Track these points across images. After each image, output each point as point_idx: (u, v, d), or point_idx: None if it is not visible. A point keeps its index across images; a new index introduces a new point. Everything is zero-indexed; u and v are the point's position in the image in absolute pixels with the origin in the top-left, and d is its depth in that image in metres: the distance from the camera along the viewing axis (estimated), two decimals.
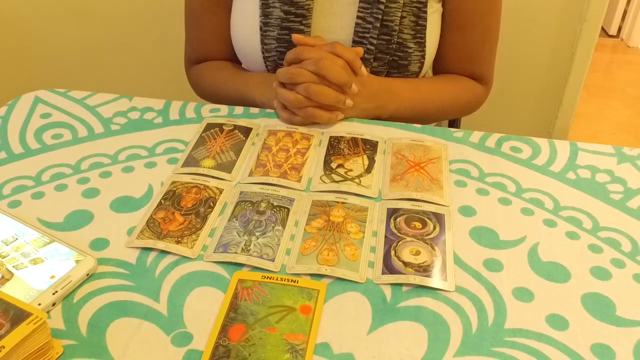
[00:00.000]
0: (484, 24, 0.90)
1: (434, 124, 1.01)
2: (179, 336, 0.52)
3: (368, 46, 0.85)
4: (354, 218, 0.65)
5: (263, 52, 0.88)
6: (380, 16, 0.83)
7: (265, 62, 0.90)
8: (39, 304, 0.54)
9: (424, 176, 0.72)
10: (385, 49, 0.86)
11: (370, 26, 0.84)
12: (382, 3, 0.83)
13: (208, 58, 0.98)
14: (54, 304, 0.55)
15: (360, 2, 0.84)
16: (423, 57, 0.88)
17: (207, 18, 0.94)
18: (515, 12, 1.47)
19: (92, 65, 1.75)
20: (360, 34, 0.85)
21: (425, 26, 0.86)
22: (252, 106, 0.86)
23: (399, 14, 0.84)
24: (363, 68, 0.81)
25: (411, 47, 0.87)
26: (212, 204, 0.67)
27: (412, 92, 0.88)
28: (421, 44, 0.87)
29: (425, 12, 0.85)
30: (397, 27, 0.85)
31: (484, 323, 0.54)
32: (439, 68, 0.95)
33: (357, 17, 0.85)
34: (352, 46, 0.86)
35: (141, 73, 1.73)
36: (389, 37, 0.85)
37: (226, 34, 0.93)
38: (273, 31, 0.86)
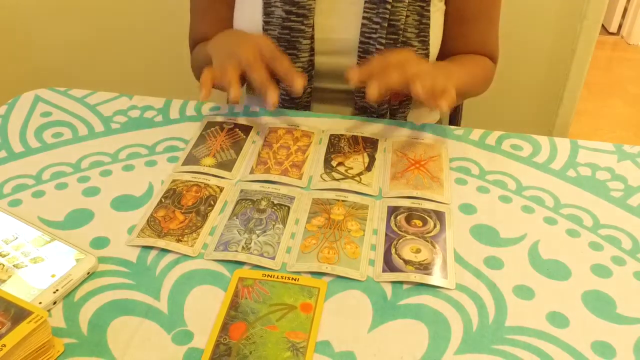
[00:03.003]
0: (490, 13, 0.92)
1: (435, 121, 1.01)
2: (179, 334, 0.53)
3: (376, 46, 0.84)
4: (354, 216, 0.65)
5: None
6: (387, 16, 0.83)
7: None
8: (40, 303, 0.54)
9: (425, 174, 0.72)
10: (393, 48, 0.85)
11: (377, 26, 0.84)
12: (389, 3, 0.82)
13: None
14: (54, 303, 0.55)
15: (365, 2, 0.84)
16: (427, 55, 0.87)
17: (210, 13, 0.94)
18: (516, 10, 1.47)
19: (92, 63, 1.75)
20: (367, 35, 0.85)
21: (428, 25, 0.86)
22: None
23: (405, 13, 0.84)
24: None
25: (415, 46, 0.86)
26: (212, 203, 0.67)
27: (452, 63, 0.89)
28: (425, 42, 0.87)
29: (429, 11, 0.85)
30: (402, 26, 0.84)
31: (485, 321, 0.54)
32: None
33: (363, 17, 0.84)
34: (359, 47, 0.86)
35: (141, 71, 1.73)
36: (395, 37, 0.85)
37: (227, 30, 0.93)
38: (274, 30, 0.86)
